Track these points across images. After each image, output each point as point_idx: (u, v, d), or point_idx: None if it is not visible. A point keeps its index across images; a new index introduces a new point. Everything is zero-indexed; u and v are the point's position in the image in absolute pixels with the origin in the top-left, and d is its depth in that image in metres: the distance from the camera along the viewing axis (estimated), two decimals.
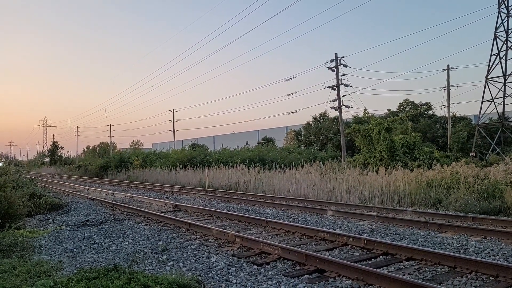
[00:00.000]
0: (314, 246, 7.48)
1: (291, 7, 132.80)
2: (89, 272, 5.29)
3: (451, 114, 35.21)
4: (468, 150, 28.17)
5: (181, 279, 4.93)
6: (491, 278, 5.25)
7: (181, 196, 18.42)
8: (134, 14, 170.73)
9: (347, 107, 28.37)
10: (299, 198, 15.73)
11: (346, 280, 5.28)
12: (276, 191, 18.18)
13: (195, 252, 7.13)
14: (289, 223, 9.43)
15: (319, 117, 43.78)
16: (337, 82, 28.31)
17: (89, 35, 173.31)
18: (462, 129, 30.48)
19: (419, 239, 7.83)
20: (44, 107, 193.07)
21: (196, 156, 31.34)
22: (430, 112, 39.79)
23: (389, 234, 8.43)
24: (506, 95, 28.51)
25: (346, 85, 28.33)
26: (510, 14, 28.04)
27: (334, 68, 28.31)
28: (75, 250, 7.55)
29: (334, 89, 28.42)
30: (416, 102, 40.90)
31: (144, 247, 7.59)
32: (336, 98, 28.45)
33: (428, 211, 11.57)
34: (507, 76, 28.17)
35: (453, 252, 6.65)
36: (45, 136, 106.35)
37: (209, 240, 8.10)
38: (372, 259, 6.41)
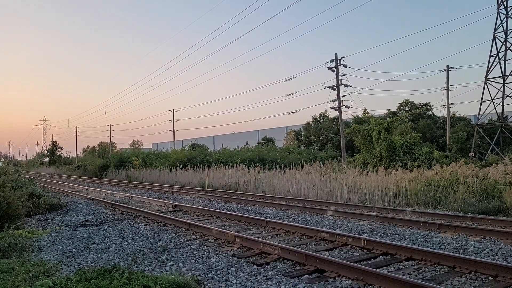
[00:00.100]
0: (314, 246, 7.48)
1: (291, 7, 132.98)
2: (89, 273, 5.28)
3: (450, 115, 35.24)
4: (467, 150, 28.19)
5: (181, 279, 4.93)
6: (490, 278, 5.25)
7: (180, 196, 18.41)
8: (134, 14, 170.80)
9: (347, 107, 28.40)
10: (299, 198, 15.73)
11: (346, 280, 5.28)
12: (276, 191, 18.18)
13: (195, 252, 7.13)
14: (289, 223, 9.42)
15: (319, 117, 43.80)
16: (337, 82, 28.32)
17: (89, 35, 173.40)
18: (462, 130, 30.49)
19: (419, 239, 7.83)
20: (44, 106, 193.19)
21: (196, 156, 31.33)
22: (430, 112, 39.83)
23: (389, 234, 8.43)
24: (505, 95, 28.53)
25: (346, 85, 28.35)
26: (509, 15, 28.05)
27: (334, 68, 28.32)
28: (74, 250, 7.55)
29: (334, 89, 28.43)
30: (415, 102, 41.02)
31: (144, 247, 7.58)
32: (336, 98, 28.46)
33: (428, 211, 11.58)
34: (506, 77, 28.20)
35: (453, 252, 6.65)
36: (44, 136, 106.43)
37: (209, 240, 8.10)
38: (372, 259, 6.41)
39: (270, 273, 5.72)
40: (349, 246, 7.28)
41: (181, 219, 10.30)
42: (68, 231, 9.68)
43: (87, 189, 23.29)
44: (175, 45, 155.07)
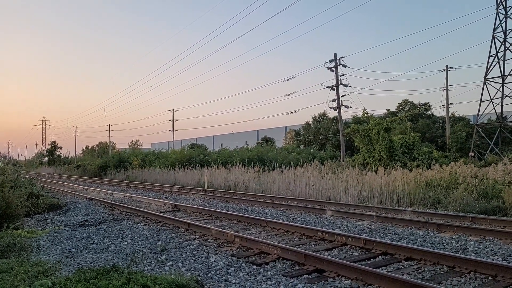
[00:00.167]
0: (313, 246, 7.48)
1: (290, 7, 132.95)
2: (88, 272, 5.27)
3: (450, 114, 35.27)
4: (466, 150, 28.22)
5: (180, 279, 4.92)
6: (489, 277, 5.26)
7: (180, 196, 18.40)
8: (134, 14, 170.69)
9: (346, 107, 28.40)
10: (298, 198, 15.73)
11: (345, 280, 5.27)
12: (276, 191, 18.18)
13: (194, 252, 7.12)
14: (288, 223, 9.42)
15: (319, 117, 43.82)
16: (337, 82, 28.33)
17: (88, 34, 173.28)
18: (461, 129, 30.52)
19: (418, 239, 7.84)
20: (43, 106, 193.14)
21: (196, 156, 31.32)
22: (429, 112, 39.87)
23: (388, 234, 8.43)
24: (504, 95, 28.56)
25: (346, 85, 28.38)
26: (508, 15, 28.08)
27: (333, 68, 28.33)
28: (73, 250, 7.54)
29: (334, 89, 28.43)
30: (415, 102, 41.06)
31: (143, 247, 7.58)
32: (336, 98, 28.47)
33: (427, 211, 11.58)
34: (505, 77, 28.23)
35: (452, 252, 6.65)
36: (43, 136, 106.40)
37: (208, 240, 8.10)
38: (371, 259, 6.41)
39: (269, 273, 5.71)
40: (349, 246, 7.28)
41: (181, 219, 10.30)
42: (67, 231, 9.67)
43: (87, 189, 23.27)
44: (174, 45, 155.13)
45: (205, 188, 21.41)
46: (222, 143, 57.90)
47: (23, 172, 18.22)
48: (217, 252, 7.09)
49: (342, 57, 28.20)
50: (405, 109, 40.40)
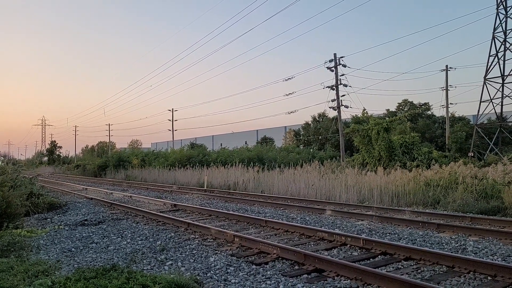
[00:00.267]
0: (312, 245, 7.48)
1: (290, 7, 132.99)
2: (87, 272, 5.28)
3: (449, 114, 35.28)
4: (466, 150, 28.23)
5: (180, 279, 4.93)
6: (489, 278, 5.26)
7: (180, 196, 18.41)
8: (133, 14, 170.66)
9: (346, 107, 28.39)
10: (298, 198, 15.73)
11: (344, 280, 5.28)
12: (275, 190, 18.18)
13: (194, 251, 7.13)
14: (288, 222, 9.43)
15: (318, 117, 43.83)
16: (336, 82, 28.33)
17: (88, 34, 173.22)
18: (461, 129, 30.53)
19: (418, 239, 7.84)
20: (43, 106, 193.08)
21: (195, 155, 31.32)
22: (429, 112, 39.89)
23: (388, 234, 8.44)
24: (504, 95, 28.56)
25: (345, 85, 28.37)
26: (508, 15, 28.08)
27: (333, 68, 28.33)
28: (73, 249, 7.54)
29: (333, 89, 28.43)
30: (414, 102, 41.10)
31: (143, 246, 7.58)
32: (335, 98, 28.46)
33: (427, 211, 11.58)
34: (505, 77, 28.23)
35: (451, 252, 6.65)
36: (43, 135, 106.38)
37: (208, 240, 8.10)
38: (371, 259, 6.42)
39: (269, 272, 5.72)
40: (348, 245, 7.28)
41: (180, 219, 10.30)
42: (67, 230, 9.68)
43: (86, 188, 23.26)
44: (174, 45, 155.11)
45: (205, 188, 21.41)
46: (222, 143, 57.96)
47: (23, 171, 18.23)
48: (216, 251, 7.09)
49: (341, 57, 28.22)
50: (405, 109, 40.43)
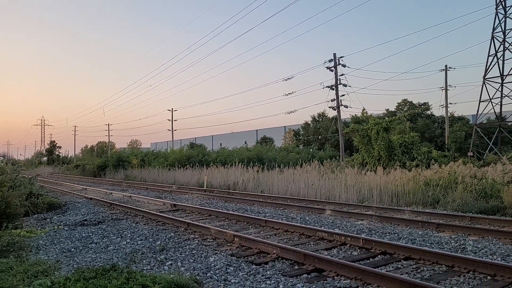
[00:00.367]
0: (312, 245, 7.48)
1: (289, 7, 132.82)
2: (87, 272, 5.28)
3: (449, 114, 35.30)
4: (465, 150, 28.25)
5: (180, 279, 4.92)
6: (488, 277, 5.27)
7: (179, 196, 18.40)
8: (133, 14, 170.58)
9: (346, 107, 28.40)
10: (297, 198, 15.73)
11: (344, 280, 5.28)
12: (275, 190, 18.18)
13: (194, 251, 7.13)
14: (287, 222, 9.43)
15: (318, 117, 43.82)
16: (336, 82, 28.33)
17: (88, 34, 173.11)
18: (460, 129, 30.56)
19: (417, 239, 7.85)
20: (42, 106, 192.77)
21: (195, 155, 31.32)
22: (428, 112, 39.91)
23: (387, 234, 8.44)
24: (503, 95, 28.57)
25: (345, 85, 28.38)
26: (507, 15, 28.09)
27: (332, 68, 28.33)
28: (72, 249, 7.54)
29: (333, 89, 28.44)
30: (414, 102, 41.14)
31: (142, 246, 7.58)
32: (335, 98, 28.47)
33: (426, 210, 11.59)
34: (504, 77, 28.24)
35: (451, 252, 6.66)
36: (42, 135, 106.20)
37: (208, 240, 8.10)
38: (371, 259, 6.42)
39: (268, 272, 5.72)
40: (348, 245, 7.29)
41: (180, 219, 10.30)
42: (66, 230, 9.67)
43: (86, 188, 23.25)
44: (173, 45, 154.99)
45: (204, 188, 21.40)
46: (221, 142, 57.93)
47: (22, 171, 18.21)
48: (216, 251, 7.09)
49: (341, 57, 28.22)
50: (404, 108, 40.46)
